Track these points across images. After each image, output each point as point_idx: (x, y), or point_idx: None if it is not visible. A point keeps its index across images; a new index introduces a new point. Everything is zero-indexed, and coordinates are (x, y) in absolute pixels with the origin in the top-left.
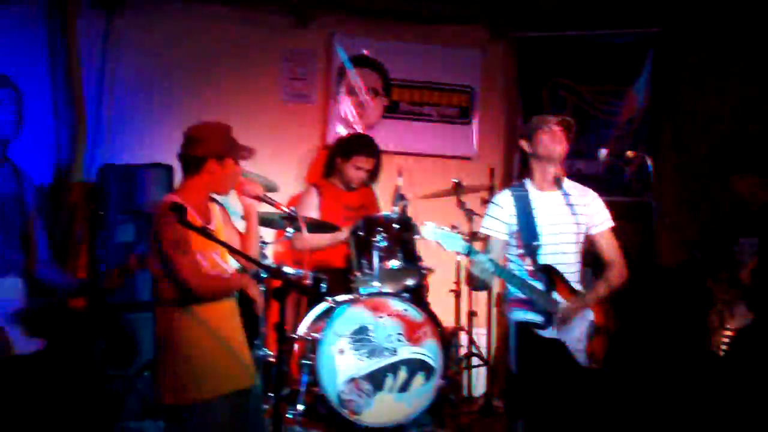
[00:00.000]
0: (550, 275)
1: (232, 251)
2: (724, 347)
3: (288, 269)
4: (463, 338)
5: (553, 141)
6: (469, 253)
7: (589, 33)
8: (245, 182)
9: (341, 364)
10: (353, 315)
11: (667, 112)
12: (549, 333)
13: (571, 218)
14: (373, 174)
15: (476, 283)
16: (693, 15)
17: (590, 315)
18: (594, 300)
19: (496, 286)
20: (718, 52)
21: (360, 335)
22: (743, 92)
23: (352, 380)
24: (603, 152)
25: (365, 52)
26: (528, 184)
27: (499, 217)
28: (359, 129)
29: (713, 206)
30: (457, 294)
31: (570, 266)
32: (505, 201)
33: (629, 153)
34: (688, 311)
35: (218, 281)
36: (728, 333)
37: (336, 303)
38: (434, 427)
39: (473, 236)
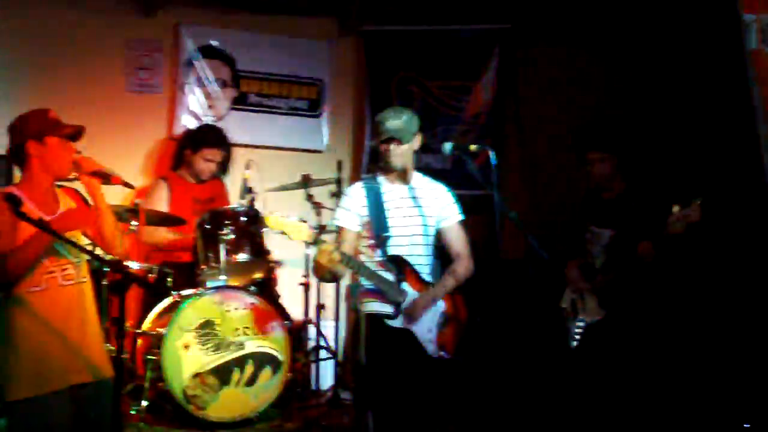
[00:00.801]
0: (400, 266)
1: (66, 241)
2: (576, 338)
3: (131, 263)
4: (312, 331)
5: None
6: (316, 242)
7: (436, 28)
8: (79, 159)
9: (186, 359)
10: (199, 309)
11: (511, 106)
12: (398, 323)
13: (421, 211)
14: (223, 166)
15: (324, 274)
16: (538, 12)
17: (440, 305)
18: (442, 291)
19: (345, 277)
20: (561, 49)
21: (206, 329)
22: (585, 88)
23: (198, 375)
24: (447, 146)
25: (213, 42)
26: (379, 177)
27: (351, 208)
28: (208, 121)
29: (558, 198)
30: (306, 287)
31: (420, 258)
32: (356, 193)
33: (472, 147)
34: (534, 302)
35: (22, 245)
36: (580, 324)
37: (181, 297)
38: (281, 421)
39: (322, 229)
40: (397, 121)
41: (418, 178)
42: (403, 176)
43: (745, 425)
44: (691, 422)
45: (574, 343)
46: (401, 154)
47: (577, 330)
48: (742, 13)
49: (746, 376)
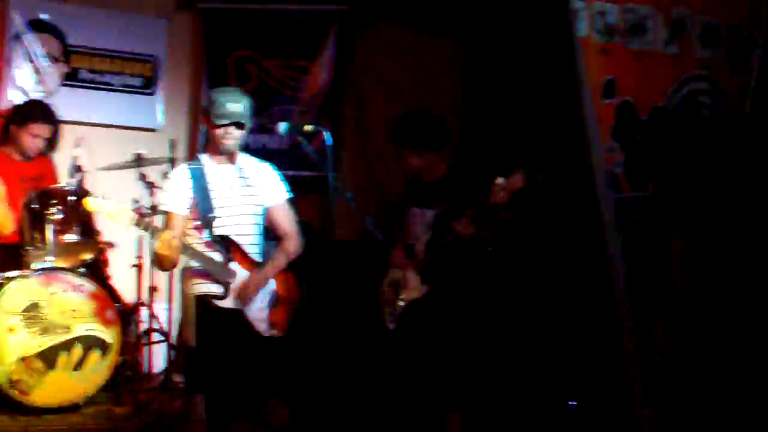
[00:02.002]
0: (228, 246)
1: None
2: (395, 318)
3: None
4: (144, 313)
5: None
6: (141, 226)
7: (274, 7)
8: None
9: (11, 342)
10: (24, 291)
11: (349, 88)
12: (228, 304)
13: (247, 191)
14: (51, 143)
15: (166, 265)
16: None
17: (271, 284)
18: (272, 270)
19: (182, 262)
20: (400, 31)
21: (32, 312)
22: (422, 70)
23: (24, 359)
24: (282, 126)
25: (43, 16)
26: (204, 157)
27: (176, 191)
28: (37, 97)
29: (394, 180)
30: (139, 269)
31: (248, 237)
32: (180, 175)
33: (308, 127)
34: (364, 283)
35: None
36: (401, 304)
37: (6, 279)
38: (111, 405)
39: (154, 210)
40: (239, 105)
41: (244, 158)
42: (230, 157)
43: (570, 402)
44: (511, 398)
45: (392, 325)
46: (239, 137)
47: (397, 310)
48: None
49: (569, 351)
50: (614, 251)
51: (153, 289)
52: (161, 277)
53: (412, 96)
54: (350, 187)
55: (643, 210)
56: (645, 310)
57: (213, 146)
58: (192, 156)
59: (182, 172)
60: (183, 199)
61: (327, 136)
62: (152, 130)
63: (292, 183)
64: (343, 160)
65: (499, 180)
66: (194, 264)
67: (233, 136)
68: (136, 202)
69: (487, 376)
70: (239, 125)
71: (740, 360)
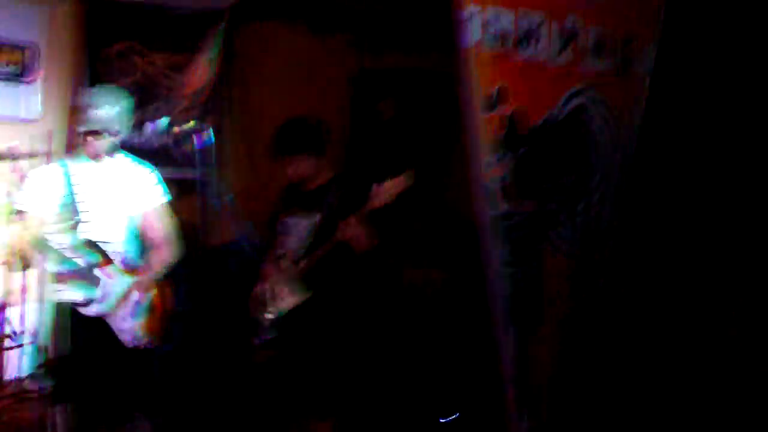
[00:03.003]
0: (93, 252)
1: None
2: (266, 329)
3: None
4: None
5: None
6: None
7: (161, 2)
8: None
9: None
10: None
11: (235, 86)
12: (92, 311)
13: (116, 194)
14: None
15: (15, 261)
16: None
17: (137, 294)
18: (143, 278)
19: (41, 263)
20: (288, 30)
21: None
22: (311, 72)
23: None
24: (162, 123)
25: None
26: (75, 155)
27: (36, 190)
28: None
29: (280, 183)
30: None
31: (116, 244)
32: (43, 174)
33: (189, 124)
34: (241, 290)
35: None
36: (269, 317)
37: None
38: None
39: None
40: (102, 111)
41: (119, 159)
42: (101, 155)
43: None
44: (386, 406)
45: (260, 339)
46: (99, 146)
47: (266, 322)
48: (464, 5)
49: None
50: (493, 265)
51: (9, 292)
52: (18, 280)
53: (300, 97)
54: (233, 188)
55: (523, 226)
56: (522, 326)
57: (81, 147)
58: (71, 150)
59: (46, 170)
60: (44, 199)
61: (209, 134)
62: (29, 122)
63: (172, 183)
64: (226, 160)
65: (386, 181)
66: (57, 269)
67: (91, 144)
68: (9, 195)
69: (361, 384)
70: (96, 133)
71: (622, 374)
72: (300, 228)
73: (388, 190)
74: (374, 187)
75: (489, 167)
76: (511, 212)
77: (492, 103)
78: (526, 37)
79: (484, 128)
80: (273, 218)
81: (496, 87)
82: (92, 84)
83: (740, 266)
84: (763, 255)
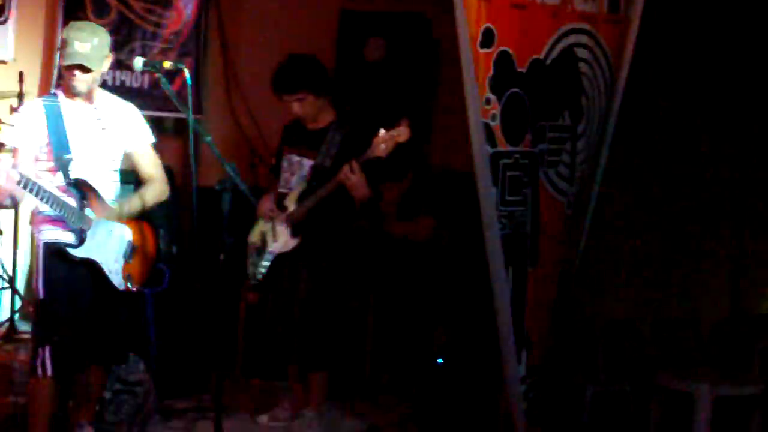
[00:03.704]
0: (84, 191)
1: None
2: (263, 270)
3: None
4: None
5: None
6: None
7: None
8: None
9: None
10: None
11: (215, 25)
12: (81, 253)
13: (105, 132)
14: None
15: (1, 198)
16: None
17: (127, 234)
18: (127, 211)
19: (26, 202)
20: None
21: None
22: (296, 13)
23: None
24: (139, 62)
25: None
26: (61, 94)
27: (27, 128)
28: None
29: (265, 124)
30: None
31: (107, 183)
32: (33, 111)
33: (166, 64)
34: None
35: None
36: (269, 257)
37: None
38: None
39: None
40: (87, 44)
41: (105, 98)
42: (87, 96)
43: (438, 360)
44: (380, 358)
45: (260, 276)
46: (87, 80)
47: (264, 262)
48: None
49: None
50: (488, 206)
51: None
52: (6, 220)
53: (285, 39)
54: (214, 130)
55: (518, 165)
56: (519, 267)
57: (66, 84)
58: (44, 91)
59: (36, 107)
60: (34, 136)
61: (188, 75)
62: (2, 62)
63: (152, 124)
64: (208, 101)
65: (382, 132)
66: (45, 208)
67: (78, 79)
68: None
69: (354, 336)
70: (84, 68)
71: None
72: (299, 169)
73: (386, 140)
74: (374, 138)
75: (488, 104)
76: (508, 151)
77: (483, 42)
78: None
79: (478, 67)
80: (278, 153)
81: (486, 26)
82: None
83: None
84: None
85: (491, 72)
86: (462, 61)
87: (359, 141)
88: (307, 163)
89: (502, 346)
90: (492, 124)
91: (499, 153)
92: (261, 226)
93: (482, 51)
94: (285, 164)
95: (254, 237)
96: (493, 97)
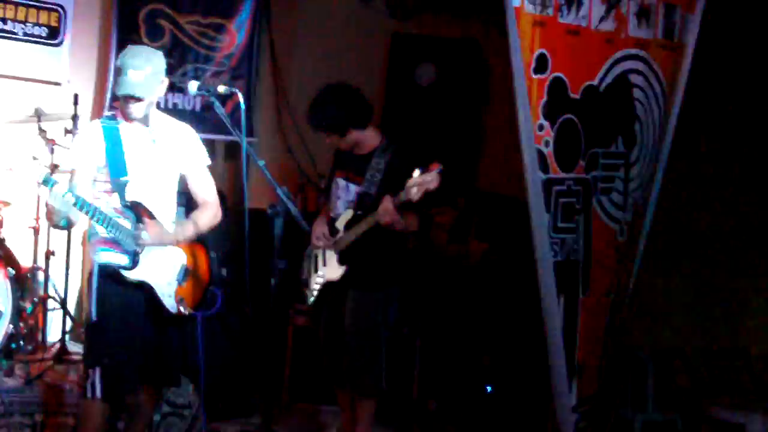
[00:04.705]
0: (139, 213)
1: None
2: (314, 294)
3: None
4: (41, 279)
5: None
6: (47, 182)
7: None
8: None
9: None
10: None
11: (267, 49)
12: (135, 275)
13: (162, 155)
14: None
15: (57, 220)
16: None
17: (181, 257)
18: (181, 236)
19: (81, 223)
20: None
21: None
22: (348, 38)
23: None
24: (193, 86)
25: None
26: (119, 116)
27: (85, 149)
28: None
29: (316, 148)
30: (36, 231)
31: (161, 205)
32: (92, 132)
33: (220, 88)
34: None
35: None
36: (319, 281)
37: None
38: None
39: (54, 168)
40: (140, 73)
41: (161, 120)
42: (143, 119)
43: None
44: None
45: (312, 299)
46: (141, 108)
47: (315, 286)
48: None
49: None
50: (540, 232)
51: (50, 254)
52: (60, 241)
53: (335, 63)
54: (266, 154)
55: (571, 191)
56: (570, 294)
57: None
58: (98, 114)
59: (95, 129)
60: (92, 157)
61: (241, 98)
62: (56, 84)
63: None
64: (259, 124)
65: (416, 173)
66: (100, 230)
67: (132, 107)
68: (35, 159)
69: (403, 361)
70: (133, 98)
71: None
72: (350, 192)
73: (418, 184)
74: (407, 180)
75: (541, 130)
76: (560, 177)
77: (534, 69)
78: (568, 2)
79: (531, 93)
80: (330, 175)
81: (540, 51)
82: (120, 48)
83: None
84: None
85: (545, 98)
86: (515, 86)
87: (402, 168)
88: (354, 188)
89: (552, 375)
90: (545, 150)
91: (552, 179)
92: (314, 248)
93: (536, 77)
94: (334, 188)
95: (306, 260)
96: (546, 123)
